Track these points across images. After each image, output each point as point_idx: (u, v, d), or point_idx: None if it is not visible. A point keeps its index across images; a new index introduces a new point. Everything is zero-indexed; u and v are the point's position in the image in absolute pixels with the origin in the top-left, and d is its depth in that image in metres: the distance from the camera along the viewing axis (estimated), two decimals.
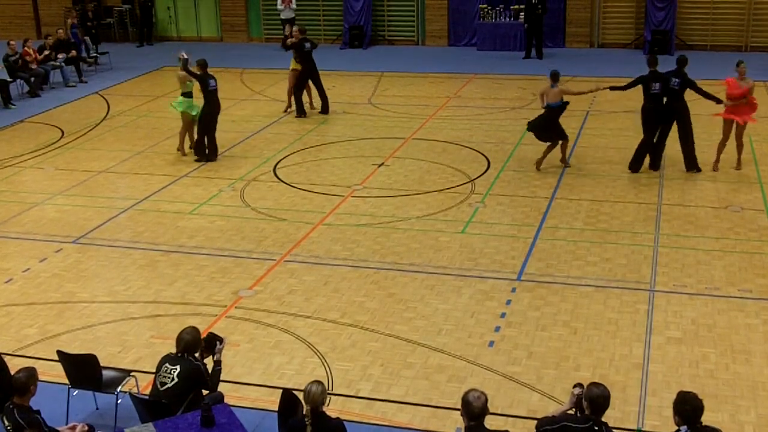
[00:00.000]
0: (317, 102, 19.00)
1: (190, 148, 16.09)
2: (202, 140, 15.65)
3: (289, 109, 18.93)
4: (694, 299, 10.12)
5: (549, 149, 14.72)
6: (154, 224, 12.87)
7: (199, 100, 15.66)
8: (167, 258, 11.66)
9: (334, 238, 12.14)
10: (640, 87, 14.36)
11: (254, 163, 15.57)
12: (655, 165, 14.57)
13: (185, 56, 15.72)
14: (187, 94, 15.74)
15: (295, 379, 8.57)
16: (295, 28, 19.39)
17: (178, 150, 16.09)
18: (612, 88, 14.89)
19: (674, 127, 14.51)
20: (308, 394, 6.33)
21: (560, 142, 14.70)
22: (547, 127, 14.54)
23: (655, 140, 14.51)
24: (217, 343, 7.55)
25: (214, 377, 7.40)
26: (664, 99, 14.23)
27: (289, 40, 19.14)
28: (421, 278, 10.84)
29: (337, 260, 11.41)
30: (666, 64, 22.64)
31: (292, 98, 18.83)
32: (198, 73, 15.38)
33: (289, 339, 9.45)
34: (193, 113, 15.69)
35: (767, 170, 14.52)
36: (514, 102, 19.49)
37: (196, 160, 15.61)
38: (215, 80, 15.54)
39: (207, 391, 7.37)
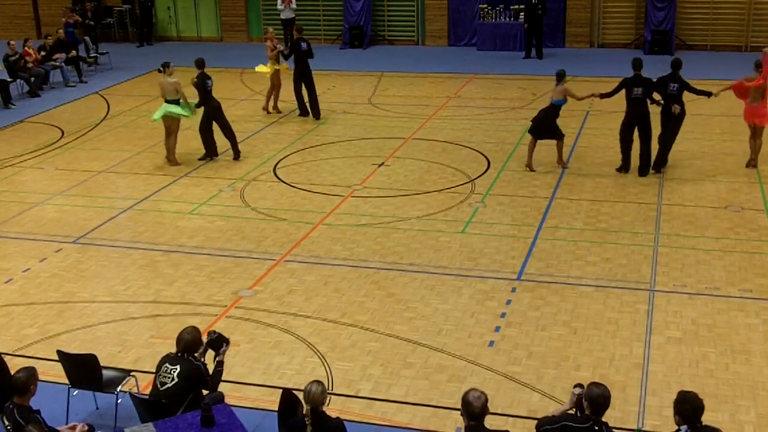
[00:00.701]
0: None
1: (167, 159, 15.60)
2: (208, 139, 15.60)
3: (272, 110, 18.98)
4: (694, 299, 10.13)
5: (533, 146, 14.67)
6: (154, 224, 12.87)
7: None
8: (167, 258, 11.67)
9: (334, 238, 12.14)
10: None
11: (254, 163, 15.57)
12: (656, 166, 14.43)
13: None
14: (170, 102, 15.18)
15: (295, 379, 8.57)
16: (270, 29, 19.35)
17: (170, 162, 15.52)
18: (602, 96, 14.60)
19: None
20: (308, 394, 6.34)
21: (556, 142, 14.70)
22: (544, 124, 14.52)
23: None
24: (223, 344, 7.53)
25: (215, 378, 7.40)
26: (649, 102, 14.14)
27: (279, 47, 18.61)
28: (421, 278, 10.84)
29: (337, 260, 11.42)
30: (665, 64, 22.71)
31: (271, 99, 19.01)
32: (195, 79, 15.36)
33: (289, 339, 9.46)
34: (180, 112, 15.20)
35: (767, 170, 14.51)
36: (514, 102, 19.49)
37: (200, 159, 15.62)
38: (212, 80, 15.51)
39: (207, 391, 7.38)
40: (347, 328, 9.66)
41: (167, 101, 15.14)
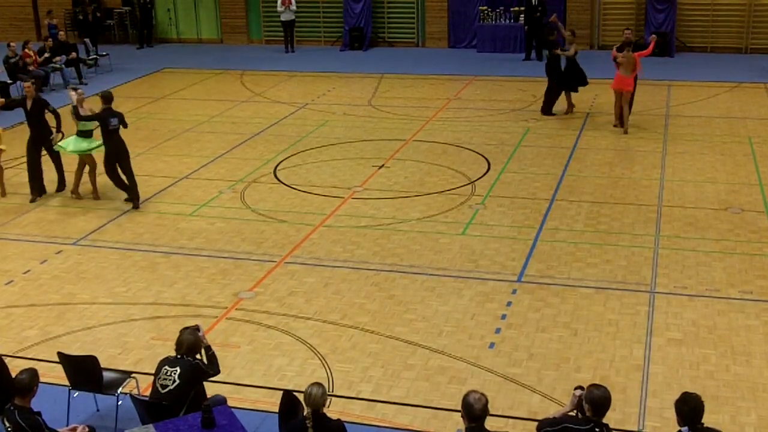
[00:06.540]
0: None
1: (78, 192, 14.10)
2: (118, 182, 13.65)
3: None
4: (694, 301, 10.13)
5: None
6: (155, 226, 12.87)
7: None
8: (167, 260, 11.67)
9: (334, 239, 12.14)
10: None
11: (254, 164, 15.57)
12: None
13: (75, 97, 13.62)
14: (83, 133, 13.76)
15: (295, 381, 8.58)
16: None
17: (72, 193, 14.11)
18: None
19: None
20: (309, 396, 6.34)
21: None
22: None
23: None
24: (198, 332, 7.42)
25: (212, 362, 7.39)
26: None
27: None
28: (421, 280, 10.84)
29: (338, 262, 11.42)
30: (666, 66, 22.74)
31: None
32: (97, 112, 13.54)
33: (290, 340, 9.46)
34: (85, 147, 13.72)
35: (767, 171, 14.52)
36: (514, 104, 19.50)
37: (126, 200, 13.80)
38: (119, 118, 13.39)
39: (209, 394, 7.38)
40: (348, 330, 9.66)
41: (78, 133, 13.74)
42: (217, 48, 27.75)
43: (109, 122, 13.31)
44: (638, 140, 16.48)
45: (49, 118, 14.07)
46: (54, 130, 13.98)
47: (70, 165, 14.73)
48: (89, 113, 13.68)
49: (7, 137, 17.73)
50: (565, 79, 18.09)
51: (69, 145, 13.85)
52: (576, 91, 18.21)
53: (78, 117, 13.59)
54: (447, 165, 15.27)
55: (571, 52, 17.80)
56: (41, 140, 14.01)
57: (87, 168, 14.06)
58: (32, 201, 13.93)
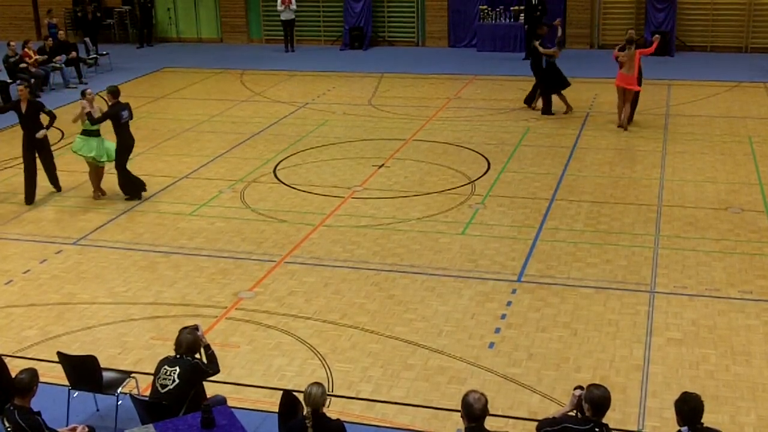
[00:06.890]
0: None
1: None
2: (126, 176, 13.86)
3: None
4: (694, 300, 10.12)
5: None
6: (154, 225, 12.87)
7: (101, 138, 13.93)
8: (167, 259, 11.67)
9: (334, 239, 12.14)
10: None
11: (254, 164, 15.57)
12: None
13: (86, 103, 13.60)
14: (89, 132, 13.68)
15: (295, 381, 8.58)
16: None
17: (94, 197, 14.05)
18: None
19: None
20: (309, 396, 6.34)
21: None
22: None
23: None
24: (198, 331, 7.43)
25: (212, 362, 7.40)
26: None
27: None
28: (421, 280, 10.84)
29: (338, 262, 11.42)
30: (666, 66, 22.73)
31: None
32: (106, 109, 13.75)
33: (290, 340, 9.46)
34: (96, 157, 13.68)
35: (767, 171, 14.52)
36: (515, 103, 19.49)
37: (128, 199, 13.88)
38: (128, 110, 13.67)
39: (209, 394, 7.38)
40: (347, 330, 9.66)
41: (84, 132, 13.72)
42: (217, 47, 27.74)
43: (121, 116, 13.50)
44: (638, 140, 16.48)
45: (44, 119, 14.05)
46: (45, 127, 13.95)
47: (68, 165, 14.76)
48: (99, 114, 13.72)
49: (6, 137, 17.78)
50: (548, 80, 18.24)
51: (74, 145, 13.89)
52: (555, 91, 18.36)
53: (93, 122, 13.57)
54: (447, 165, 15.27)
55: (550, 52, 18.01)
56: (36, 143, 13.98)
57: (88, 168, 14.10)
58: (27, 204, 13.91)
